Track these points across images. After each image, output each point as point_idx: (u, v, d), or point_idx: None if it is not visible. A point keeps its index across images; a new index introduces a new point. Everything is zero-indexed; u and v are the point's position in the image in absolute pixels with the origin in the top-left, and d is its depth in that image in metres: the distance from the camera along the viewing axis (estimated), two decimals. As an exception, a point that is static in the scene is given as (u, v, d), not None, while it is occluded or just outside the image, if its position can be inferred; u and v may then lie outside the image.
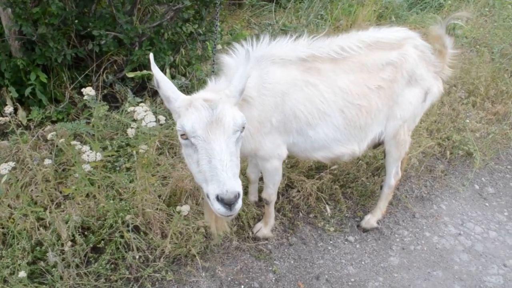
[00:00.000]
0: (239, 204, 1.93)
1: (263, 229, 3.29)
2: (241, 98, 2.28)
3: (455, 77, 4.88)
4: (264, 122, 2.57)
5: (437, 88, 3.02)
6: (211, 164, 1.93)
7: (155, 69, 2.14)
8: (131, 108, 2.76)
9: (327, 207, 3.45)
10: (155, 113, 3.82)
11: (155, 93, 4.46)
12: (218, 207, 1.91)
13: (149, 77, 4.39)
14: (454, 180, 4.05)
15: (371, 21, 5.74)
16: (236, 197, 1.89)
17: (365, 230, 3.49)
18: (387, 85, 2.77)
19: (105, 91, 4.31)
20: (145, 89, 4.55)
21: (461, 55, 5.21)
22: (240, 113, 2.08)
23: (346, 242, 3.40)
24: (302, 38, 2.75)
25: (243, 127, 2.08)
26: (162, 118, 2.67)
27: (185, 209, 2.74)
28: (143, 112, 2.67)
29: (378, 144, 3.17)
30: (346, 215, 3.60)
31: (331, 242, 3.39)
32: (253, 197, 3.51)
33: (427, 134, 4.21)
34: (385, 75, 2.76)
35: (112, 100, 4.38)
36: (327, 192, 3.64)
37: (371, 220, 3.49)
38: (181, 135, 2.05)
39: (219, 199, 1.89)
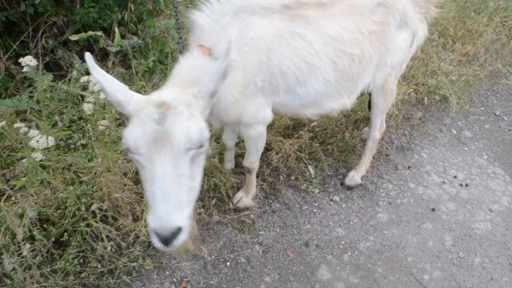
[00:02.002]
0: (179, 241, 1.57)
1: (244, 198, 3.03)
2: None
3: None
4: (248, 84, 2.24)
5: (422, 30, 2.78)
6: (151, 190, 1.57)
7: (94, 71, 1.70)
8: (85, 78, 2.33)
9: (310, 168, 3.22)
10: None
11: (105, 56, 3.97)
12: (153, 241, 1.57)
13: (96, 39, 3.87)
14: (431, 126, 3.93)
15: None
16: (174, 233, 1.55)
17: (350, 188, 3.32)
18: (379, 29, 2.49)
19: (47, 59, 3.75)
20: (92, 52, 4.03)
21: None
22: (199, 126, 1.66)
23: (331, 203, 3.21)
24: None
25: (203, 143, 1.68)
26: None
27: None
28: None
29: (360, 95, 2.93)
30: (328, 173, 3.40)
31: (316, 204, 3.19)
32: (229, 164, 3.21)
33: (403, 80, 4.02)
34: (376, 17, 2.47)
35: (56, 68, 3.84)
36: (306, 151, 3.41)
37: (355, 176, 3.32)
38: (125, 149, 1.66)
39: (155, 232, 1.56)
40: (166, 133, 1.58)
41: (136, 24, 4.21)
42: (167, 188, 1.54)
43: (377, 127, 3.13)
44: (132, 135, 1.60)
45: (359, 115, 3.64)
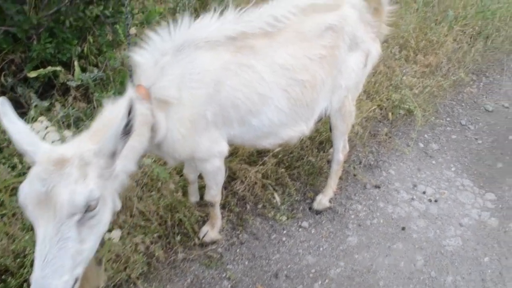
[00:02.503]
0: None
1: (210, 232, 2.95)
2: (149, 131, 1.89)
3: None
4: (197, 119, 2.19)
5: (375, 50, 2.78)
6: (35, 252, 1.49)
7: (4, 119, 1.63)
8: (42, 118, 2.24)
9: (276, 195, 3.16)
10: (62, 121, 3.29)
11: (66, 90, 3.87)
12: None
13: (56, 74, 3.78)
14: (398, 141, 3.92)
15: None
16: None
17: (318, 212, 3.27)
18: (329, 53, 2.48)
19: (7, 97, 3.64)
20: (53, 88, 3.93)
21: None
22: (86, 189, 1.55)
23: (300, 229, 3.15)
24: (228, 12, 2.33)
25: (92, 206, 1.58)
26: (68, 134, 2.20)
27: (115, 234, 2.33)
28: (43, 130, 2.19)
29: (319, 119, 2.90)
30: (296, 198, 3.34)
31: (284, 232, 3.13)
32: (193, 198, 3.14)
33: (366, 97, 4.01)
34: (325, 42, 2.46)
35: (17, 106, 3.72)
36: (273, 177, 3.35)
37: (323, 200, 3.27)
38: None
39: None
40: (49, 196, 1.49)
41: (97, 55, 4.14)
42: (46, 252, 1.46)
43: (340, 149, 3.10)
44: (23, 191, 1.52)
45: (324, 136, 3.60)
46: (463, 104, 4.43)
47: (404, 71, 4.21)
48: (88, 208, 1.55)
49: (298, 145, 3.55)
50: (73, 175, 1.54)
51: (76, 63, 3.83)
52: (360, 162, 3.67)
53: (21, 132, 1.63)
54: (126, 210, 2.96)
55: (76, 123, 3.47)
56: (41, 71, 3.62)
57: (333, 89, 2.65)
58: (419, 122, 3.96)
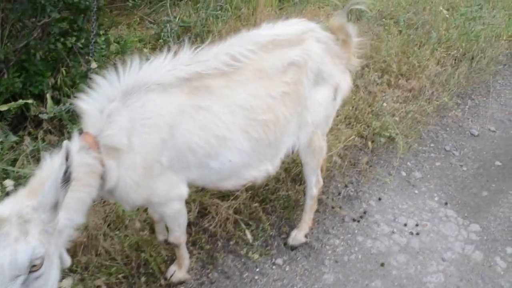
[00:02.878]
0: None
1: (178, 272, 2.80)
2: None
3: (366, 57, 4.60)
4: (151, 165, 2.09)
5: (346, 82, 2.71)
6: None
7: None
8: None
9: (247, 232, 3.03)
10: (32, 155, 3.19)
11: (39, 124, 3.79)
12: None
13: (28, 106, 3.70)
14: (380, 170, 3.78)
15: (274, 5, 5.32)
16: None
17: (294, 248, 3.12)
18: (292, 90, 2.40)
19: (-20, 129, 3.56)
20: (26, 120, 3.85)
21: (369, 31, 4.96)
22: (28, 248, 1.46)
23: (274, 267, 3.00)
24: (183, 52, 2.26)
25: (36, 266, 1.50)
26: (9, 183, 2.09)
27: (66, 283, 2.20)
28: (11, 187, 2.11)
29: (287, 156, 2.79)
30: (271, 233, 3.19)
31: (257, 270, 2.97)
32: (161, 236, 2.99)
33: (345, 126, 3.90)
34: (288, 78, 2.38)
35: (-10, 139, 3.64)
36: (246, 212, 3.21)
37: (298, 235, 3.12)
38: None
39: None
40: None
41: (70, 87, 4.06)
42: None
43: (313, 184, 2.98)
44: None
45: (300, 168, 3.47)
46: (447, 129, 4.31)
47: (384, 97, 4.10)
48: (33, 268, 1.48)
49: (273, 177, 3.42)
50: (12, 234, 1.45)
51: (48, 95, 3.75)
52: (339, 194, 3.53)
53: None
54: (91, 248, 2.84)
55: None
56: (12, 104, 3.54)
57: (299, 125, 2.56)
58: (400, 149, 3.84)
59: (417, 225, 3.33)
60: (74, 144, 1.88)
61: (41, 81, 3.68)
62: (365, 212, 3.39)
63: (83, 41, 3.87)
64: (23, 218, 1.51)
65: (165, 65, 2.17)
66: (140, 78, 2.07)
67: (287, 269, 2.99)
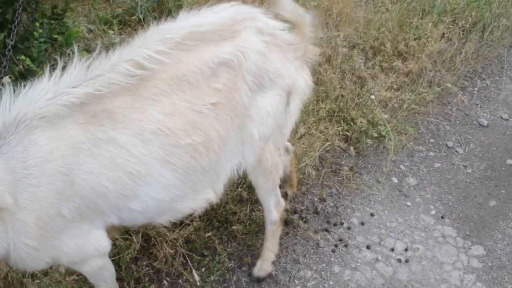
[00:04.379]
0: None
1: None
2: None
3: (356, 35, 3.90)
4: (49, 222, 1.69)
5: (303, 81, 2.16)
6: None
7: None
8: None
9: (194, 274, 2.53)
10: None
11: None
12: None
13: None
14: (366, 177, 3.19)
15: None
16: None
17: (260, 279, 2.63)
18: (227, 98, 1.89)
19: None
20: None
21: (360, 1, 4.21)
22: None
23: (231, 309, 2.52)
24: (72, 67, 1.71)
25: None
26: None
27: None
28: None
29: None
30: (229, 265, 2.69)
31: (210, 313, 2.50)
32: None
33: (326, 123, 3.27)
34: (219, 84, 1.86)
35: None
36: (200, 241, 2.70)
37: (263, 265, 2.62)
38: None
39: None
40: None
41: None
42: None
43: (272, 208, 2.45)
44: None
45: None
46: (451, 120, 3.63)
47: (372, 90, 3.43)
48: None
49: (231, 198, 2.87)
50: None
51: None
52: (315, 211, 2.96)
53: None
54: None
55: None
56: None
57: (242, 141, 2.04)
58: (392, 152, 3.22)
59: (406, 249, 2.77)
60: None
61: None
62: (342, 239, 2.83)
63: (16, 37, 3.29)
64: None
65: (48, 90, 1.66)
66: (14, 113, 1.61)
67: (246, 312, 2.50)
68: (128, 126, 1.72)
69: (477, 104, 3.77)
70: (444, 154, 3.39)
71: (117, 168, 1.73)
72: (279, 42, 2.03)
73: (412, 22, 4.00)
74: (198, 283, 2.54)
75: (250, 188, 2.92)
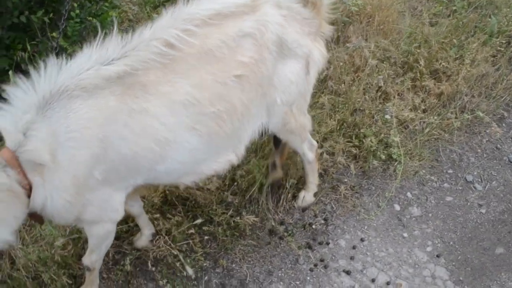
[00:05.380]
0: None
1: None
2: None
3: (393, 46, 3.69)
4: (83, 182, 1.90)
5: (319, 52, 2.36)
6: None
7: None
8: None
9: (188, 268, 2.56)
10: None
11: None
12: None
13: None
14: (366, 199, 3.03)
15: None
16: None
17: (304, 209, 2.93)
18: (252, 70, 2.09)
19: None
20: None
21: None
22: None
23: (195, 311, 2.54)
24: (109, 44, 1.89)
25: None
26: None
27: None
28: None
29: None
30: (204, 264, 2.69)
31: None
32: (147, 230, 2.68)
33: (335, 137, 3.14)
34: (245, 57, 2.05)
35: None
36: (181, 236, 2.73)
37: (307, 196, 2.91)
38: None
39: None
40: None
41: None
42: None
43: (306, 151, 2.69)
44: None
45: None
46: (478, 151, 3.34)
47: (387, 109, 3.23)
48: None
49: (223, 200, 2.86)
50: None
51: (10, 72, 3.50)
52: (304, 226, 2.88)
53: None
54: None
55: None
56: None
57: (267, 108, 2.27)
58: (399, 176, 3.03)
59: (388, 283, 2.62)
60: None
61: (4, 55, 3.41)
62: (323, 259, 2.72)
63: (51, 15, 3.49)
64: None
65: (89, 64, 1.85)
66: (59, 84, 1.80)
67: (208, 316, 2.51)
68: (159, 98, 1.90)
69: (512, 139, 3.43)
70: (460, 188, 3.13)
71: (147, 136, 1.92)
72: (295, 16, 2.21)
73: (456, 40, 3.69)
74: (193, 277, 2.58)
75: (237, 193, 2.91)
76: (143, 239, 2.68)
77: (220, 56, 2.00)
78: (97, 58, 1.85)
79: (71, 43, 3.53)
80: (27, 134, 1.76)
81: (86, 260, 2.30)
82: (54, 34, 3.44)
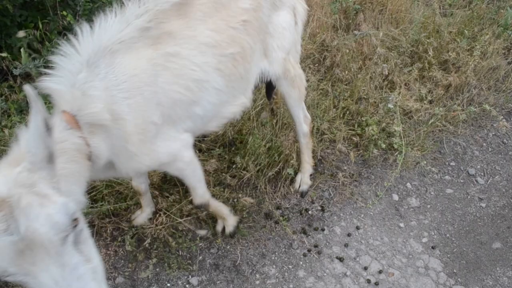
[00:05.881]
0: None
1: (228, 226, 2.74)
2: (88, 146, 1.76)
3: (404, 35, 3.63)
4: (145, 129, 1.98)
5: (300, 5, 2.60)
6: None
7: None
8: None
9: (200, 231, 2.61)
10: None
11: (14, 80, 3.65)
12: None
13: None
14: (365, 188, 3.02)
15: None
16: None
17: (304, 194, 2.97)
18: (253, 16, 2.28)
19: None
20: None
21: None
22: (59, 205, 1.34)
23: (187, 286, 2.59)
24: (130, 3, 2.00)
25: (76, 220, 1.38)
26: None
27: None
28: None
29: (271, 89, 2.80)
30: (200, 244, 2.75)
31: (168, 285, 2.59)
32: (149, 208, 2.78)
33: (338, 124, 3.13)
34: (246, 5, 2.24)
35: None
36: (180, 213, 2.78)
37: (304, 178, 2.97)
38: None
39: None
40: (28, 239, 1.28)
41: (49, 42, 3.81)
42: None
43: (302, 119, 2.80)
44: None
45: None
46: (483, 145, 3.28)
47: (390, 98, 3.19)
48: (74, 223, 1.38)
49: (214, 181, 2.89)
50: (34, 202, 1.32)
51: (22, 50, 3.56)
52: (300, 211, 2.89)
53: None
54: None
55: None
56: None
57: (265, 53, 2.45)
58: (399, 166, 3.01)
59: (380, 271, 2.62)
60: (55, 123, 1.69)
61: (15, 33, 3.48)
62: (317, 245, 2.74)
63: (63, -9, 3.53)
64: (25, 185, 1.35)
65: (118, 21, 1.95)
66: (98, 42, 1.88)
67: (199, 293, 2.56)
68: (187, 42, 2.03)
69: (520, 133, 3.35)
70: (462, 181, 3.09)
71: (185, 76, 2.03)
72: None
73: (468, 31, 3.61)
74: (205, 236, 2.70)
75: (235, 176, 2.93)
76: (143, 216, 2.75)
77: (227, 5, 2.18)
78: (122, 17, 1.95)
79: (81, 22, 3.57)
80: (86, 95, 1.80)
81: (197, 200, 2.43)
82: (64, 12, 3.48)
